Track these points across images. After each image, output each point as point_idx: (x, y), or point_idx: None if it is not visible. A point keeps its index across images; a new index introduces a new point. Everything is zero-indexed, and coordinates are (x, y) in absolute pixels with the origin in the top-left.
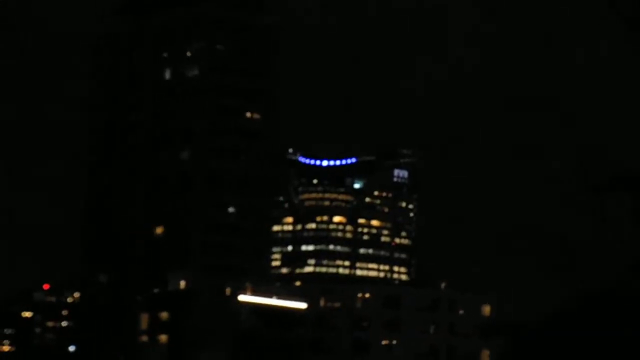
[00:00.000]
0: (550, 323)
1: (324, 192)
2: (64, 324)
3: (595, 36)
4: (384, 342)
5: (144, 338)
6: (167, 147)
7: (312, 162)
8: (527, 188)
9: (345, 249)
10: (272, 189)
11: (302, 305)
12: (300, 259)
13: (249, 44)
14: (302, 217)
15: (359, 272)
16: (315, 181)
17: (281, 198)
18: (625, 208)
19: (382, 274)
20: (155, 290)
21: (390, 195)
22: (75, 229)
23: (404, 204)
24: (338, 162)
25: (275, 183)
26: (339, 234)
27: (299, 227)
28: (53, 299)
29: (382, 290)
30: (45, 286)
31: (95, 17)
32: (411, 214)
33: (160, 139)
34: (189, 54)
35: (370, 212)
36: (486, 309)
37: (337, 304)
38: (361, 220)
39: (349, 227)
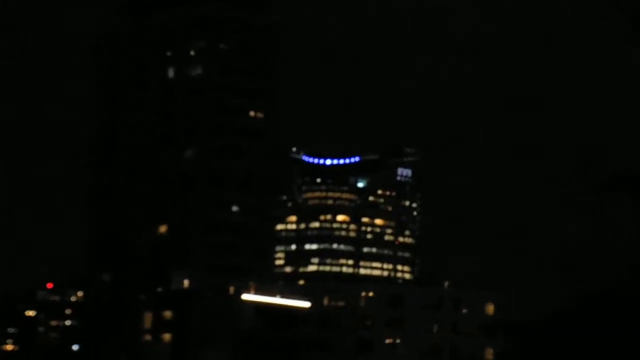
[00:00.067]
0: (551, 323)
1: (328, 191)
2: (68, 323)
3: (595, 36)
4: (387, 341)
5: (148, 337)
6: (169, 146)
7: (316, 161)
8: (527, 188)
9: (349, 248)
10: (276, 188)
11: (306, 304)
12: (303, 257)
13: (252, 43)
14: (305, 216)
15: (362, 271)
16: (318, 180)
17: (284, 197)
18: (625, 208)
19: (385, 273)
20: (159, 290)
21: (393, 194)
22: (79, 228)
23: (407, 203)
24: (341, 161)
25: (278, 182)
26: (343, 233)
27: (302, 226)
28: (57, 297)
29: (386, 289)
30: (49, 285)
31: (95, 17)
32: (415, 213)
33: (163, 138)
34: (192, 53)
35: (374, 210)
36: (490, 308)
37: (340, 303)
38: (365, 219)
39: (352, 226)
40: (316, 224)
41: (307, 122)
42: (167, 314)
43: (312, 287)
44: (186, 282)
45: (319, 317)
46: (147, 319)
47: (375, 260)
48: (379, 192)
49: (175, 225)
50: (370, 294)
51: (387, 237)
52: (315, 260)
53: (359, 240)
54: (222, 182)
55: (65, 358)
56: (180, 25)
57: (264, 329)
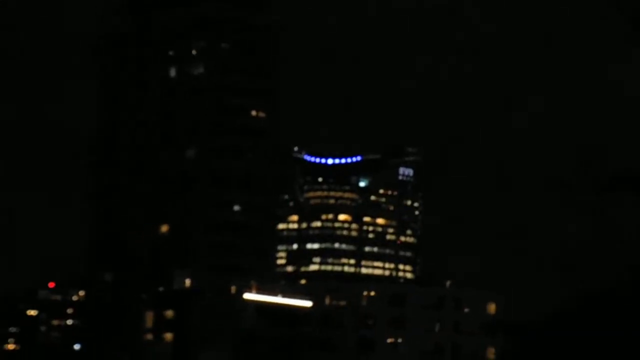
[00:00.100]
0: (551, 322)
1: (329, 190)
2: (69, 322)
3: (595, 36)
4: (389, 340)
5: (149, 336)
6: (170, 146)
7: (317, 160)
8: (527, 187)
9: (351, 247)
10: (277, 187)
11: (308, 304)
12: (305, 257)
13: (253, 43)
14: (307, 215)
15: (364, 271)
16: (320, 179)
17: (286, 196)
18: (626, 208)
19: (387, 272)
20: (160, 289)
21: (395, 193)
22: (81, 227)
23: (409, 202)
24: (343, 161)
25: (280, 181)
26: (344, 232)
27: (304, 225)
28: (58, 297)
29: (388, 289)
30: (51, 284)
31: (96, 17)
32: (416, 212)
33: (164, 137)
34: (194, 52)
35: (376, 210)
36: (491, 307)
37: (342, 302)
38: (366, 219)
39: (354, 226)
40: (318, 224)
41: (308, 121)
42: (169, 313)
43: (313, 286)
44: (187, 282)
45: (320, 317)
46: (149, 318)
47: (377, 259)
48: (381, 191)
49: (176, 225)
50: (372, 293)
51: (388, 237)
52: (316, 259)
53: (361, 240)
54: (224, 181)
55: (66, 357)
56: (180, 25)
57: (266, 328)
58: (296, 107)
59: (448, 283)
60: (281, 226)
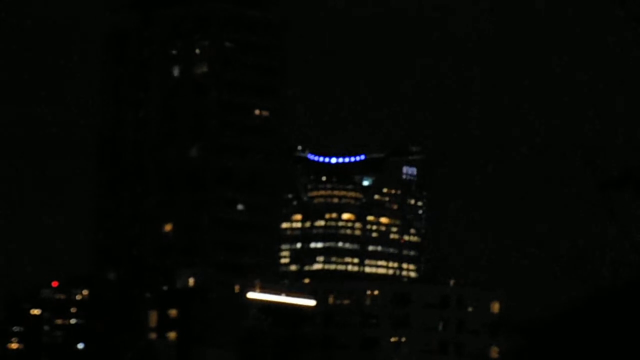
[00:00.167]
0: (558, 321)
1: (333, 189)
2: (73, 321)
3: (596, 35)
4: (392, 339)
5: (153, 335)
6: (175, 144)
7: (321, 159)
8: (533, 186)
9: (354, 246)
10: (281, 186)
11: (311, 303)
12: (309, 256)
13: (258, 40)
14: (310, 214)
15: (367, 270)
16: (324, 178)
17: (290, 195)
18: (634, 206)
19: (391, 271)
20: (164, 288)
21: (399, 192)
22: (85, 226)
23: (413, 201)
24: (347, 160)
25: (284, 180)
26: (348, 231)
27: (307, 224)
28: (62, 296)
29: (391, 288)
30: (54, 283)
31: (101, 15)
32: (420, 211)
33: (168, 136)
34: (197, 51)
35: (379, 209)
36: (495, 306)
37: (346, 301)
38: (370, 218)
39: (357, 225)
40: (321, 223)
41: (312, 120)
42: (173, 312)
43: (317, 285)
44: (191, 281)
45: (324, 316)
46: (153, 317)
47: (381, 258)
48: (385, 190)
49: (180, 224)
50: (376, 292)
51: (392, 236)
52: (320, 258)
53: (365, 239)
54: (228, 180)
55: (70, 357)
56: (184, 23)
57: (269, 327)
58: (300, 106)
59: (452, 282)
60: (285, 225)
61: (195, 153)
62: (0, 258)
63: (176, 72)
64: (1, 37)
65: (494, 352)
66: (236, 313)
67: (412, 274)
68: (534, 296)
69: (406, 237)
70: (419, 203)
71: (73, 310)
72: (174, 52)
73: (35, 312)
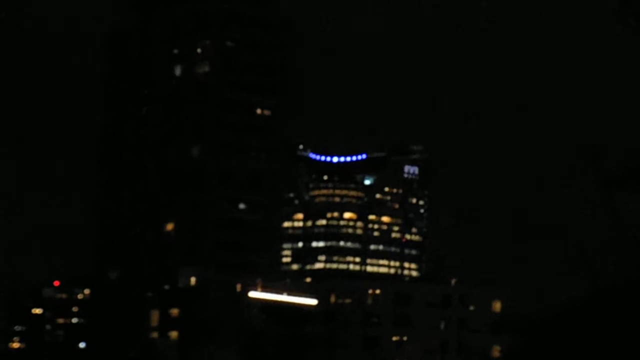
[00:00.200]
0: (560, 320)
1: (335, 188)
2: (75, 320)
3: (597, 33)
4: (394, 339)
5: (155, 334)
6: (177, 144)
7: (323, 158)
8: (535, 184)
9: (356, 246)
10: (283, 185)
11: (313, 302)
12: (310, 255)
13: (259, 39)
14: (312, 213)
15: (369, 269)
16: (325, 177)
17: (291, 194)
18: (636, 205)
19: (392, 270)
20: (166, 287)
21: (400, 191)
22: (86, 226)
23: (414, 200)
24: (349, 159)
25: (285, 179)
26: (350, 231)
27: (309, 223)
28: (63, 295)
29: (393, 287)
30: (56, 283)
31: (101, 15)
32: (422, 210)
33: (170, 135)
34: (199, 50)
35: (381, 208)
36: (497, 305)
37: (347, 301)
38: (372, 217)
39: (359, 224)
40: (323, 222)
41: (314, 119)
42: (174, 311)
43: (319, 284)
44: (193, 280)
45: (325, 315)
46: (154, 316)
47: (382, 257)
48: (386, 189)
49: (182, 223)
50: (377, 291)
51: (394, 235)
52: (322, 257)
53: (366, 238)
54: (229, 179)
55: (72, 356)
56: (185, 22)
57: (271, 326)
58: (302, 105)
59: (453, 281)
60: (286, 224)
61: (196, 152)
62: (2, 257)
63: (178, 71)
64: (1, 37)
65: (496, 351)
66: (238, 312)
67: (414, 273)
68: (536, 295)
69: (408, 236)
70: (421, 202)
71: (75, 309)
72: (175, 51)
73: (37, 311)
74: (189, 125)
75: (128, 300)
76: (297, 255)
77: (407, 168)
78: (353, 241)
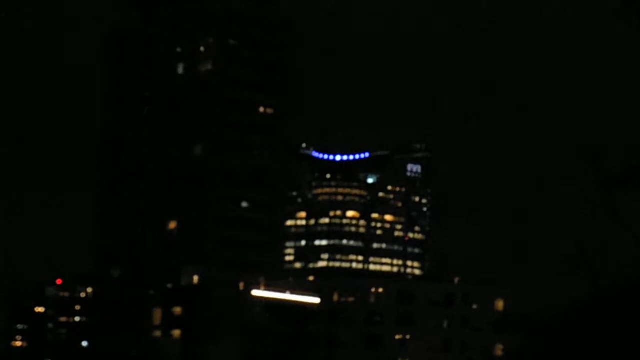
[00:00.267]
0: (561, 320)
1: (338, 187)
2: (77, 319)
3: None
4: (397, 337)
5: (157, 333)
6: (180, 142)
7: (326, 157)
8: (537, 184)
9: (359, 244)
10: (286, 183)
11: (316, 300)
12: (313, 253)
13: (262, 38)
14: (315, 212)
15: (372, 267)
16: (328, 176)
17: (294, 193)
18: (637, 204)
19: (395, 269)
20: (169, 285)
21: (403, 190)
22: (88, 225)
23: (417, 199)
24: (351, 157)
25: (288, 178)
26: (353, 229)
27: (312, 222)
28: (66, 294)
29: (396, 285)
30: (59, 281)
31: (102, 15)
32: (424, 209)
33: (173, 133)
34: (202, 49)
35: (384, 206)
36: (500, 304)
37: (350, 299)
38: (374, 215)
39: (362, 222)
40: (326, 220)
41: (316, 118)
42: (177, 309)
43: (321, 283)
44: (196, 278)
45: (328, 313)
46: (157, 315)
47: (385, 256)
48: (389, 188)
49: (185, 221)
50: (380, 290)
51: (396, 233)
52: (325, 256)
53: (369, 236)
54: (232, 178)
55: (74, 354)
56: (187, 21)
57: (274, 324)
58: (303, 105)
59: (456, 279)
60: (289, 223)
61: (199, 151)
62: (4, 257)
63: (180, 69)
64: (1, 37)
65: (499, 349)
66: (240, 311)
67: (417, 272)
68: (538, 294)
69: (411, 235)
70: (424, 200)
71: (77, 308)
72: (178, 49)
73: (40, 309)
74: (191, 123)
75: (130, 299)
76: (300, 254)
77: (409, 166)
78: (356, 240)
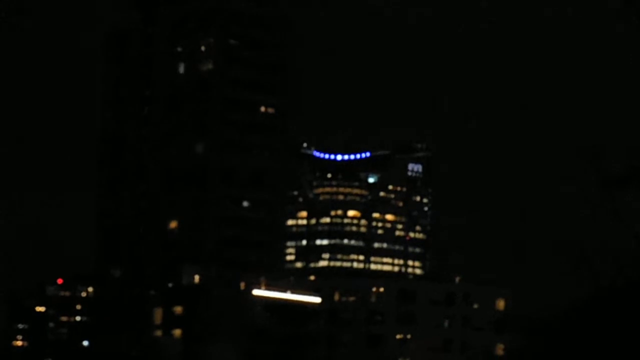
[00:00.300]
0: (563, 319)
1: (338, 186)
2: (78, 318)
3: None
4: (398, 336)
5: (158, 332)
6: (180, 142)
7: (327, 156)
8: (538, 184)
9: (360, 243)
10: (287, 183)
11: (316, 300)
12: (314, 253)
13: (262, 38)
14: (316, 211)
15: (373, 267)
16: (329, 175)
17: (295, 192)
18: (638, 204)
19: (396, 268)
20: (169, 285)
21: (404, 189)
22: (89, 224)
23: (418, 198)
24: (352, 157)
25: (289, 177)
26: (354, 228)
27: (313, 221)
28: (67, 293)
29: (397, 285)
30: (59, 280)
31: (102, 15)
32: (425, 208)
33: (173, 133)
34: (203, 48)
35: (385, 206)
36: (500, 304)
37: (351, 299)
38: (375, 215)
39: (363, 222)
40: (327, 220)
41: (317, 117)
42: (178, 309)
43: (322, 282)
44: (197, 278)
45: (329, 313)
46: (158, 314)
47: (386, 255)
48: (390, 187)
49: (186, 220)
50: (381, 289)
51: (397, 233)
52: (326, 255)
53: (370, 236)
54: (233, 177)
55: (75, 354)
56: (187, 21)
57: (275, 324)
58: (303, 104)
59: (457, 279)
60: (290, 222)
61: (199, 150)
62: (4, 257)
63: (181, 69)
64: (1, 37)
65: (500, 349)
66: (241, 310)
67: (418, 271)
68: (539, 293)
69: (412, 234)
70: (425, 200)
71: (78, 307)
72: (178, 49)
73: (40, 309)
74: (191, 123)
75: (131, 299)
76: (300, 253)
77: (410, 166)
78: (357, 239)
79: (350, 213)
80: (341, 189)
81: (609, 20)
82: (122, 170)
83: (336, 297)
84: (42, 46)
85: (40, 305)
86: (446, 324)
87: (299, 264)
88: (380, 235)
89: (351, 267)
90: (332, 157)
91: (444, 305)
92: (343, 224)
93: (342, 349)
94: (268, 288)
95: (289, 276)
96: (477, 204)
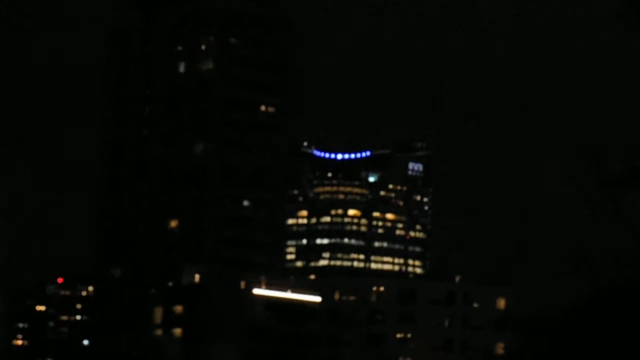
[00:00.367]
0: (563, 319)
1: (339, 185)
2: (78, 317)
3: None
4: (398, 336)
5: (158, 332)
6: (180, 141)
7: (327, 155)
8: (538, 183)
9: (360, 243)
10: (287, 182)
11: (317, 299)
12: (314, 252)
13: (263, 37)
14: (316, 210)
15: (373, 266)
16: (329, 175)
17: (296, 191)
18: (638, 204)
19: (396, 268)
20: (170, 284)
21: (405, 188)
22: (90, 223)
23: (418, 197)
24: (353, 156)
25: (289, 177)
26: (354, 228)
27: (313, 220)
28: (67, 292)
29: (397, 284)
30: (59, 280)
31: (103, 14)
32: (426, 207)
33: (174, 132)
34: (203, 47)
35: (385, 205)
36: (501, 303)
37: (351, 298)
38: (376, 214)
39: (363, 221)
40: (327, 219)
41: (318, 116)
42: (178, 308)
43: (323, 281)
44: (197, 277)
45: (329, 312)
46: (158, 313)
47: (386, 254)
48: (390, 186)
49: (186, 220)
50: (381, 288)
51: (398, 232)
52: (326, 254)
53: (370, 235)
54: (233, 176)
55: (75, 353)
56: (188, 20)
57: (275, 323)
58: (303, 104)
59: (458, 278)
60: (290, 221)
61: (200, 150)
62: (5, 255)
63: (182, 68)
64: (1, 37)
65: (500, 348)
66: (241, 310)
67: (418, 270)
68: (540, 293)
69: (412, 233)
70: (425, 199)
71: (78, 306)
72: (178, 49)
73: (41, 308)
74: (191, 123)
75: (131, 298)
76: (301, 253)
77: (411, 165)
78: (357, 238)
79: (351, 212)
80: (341, 188)
81: (609, 20)
82: (122, 170)
83: (336, 296)
84: (42, 46)
85: (41, 305)
86: (446, 323)
87: (299, 263)
88: (380, 234)
89: (351, 266)
90: (333, 156)
91: (444, 305)
92: (343, 223)
93: (342, 348)
94: (268, 287)
95: (289, 275)
96: (477, 204)
